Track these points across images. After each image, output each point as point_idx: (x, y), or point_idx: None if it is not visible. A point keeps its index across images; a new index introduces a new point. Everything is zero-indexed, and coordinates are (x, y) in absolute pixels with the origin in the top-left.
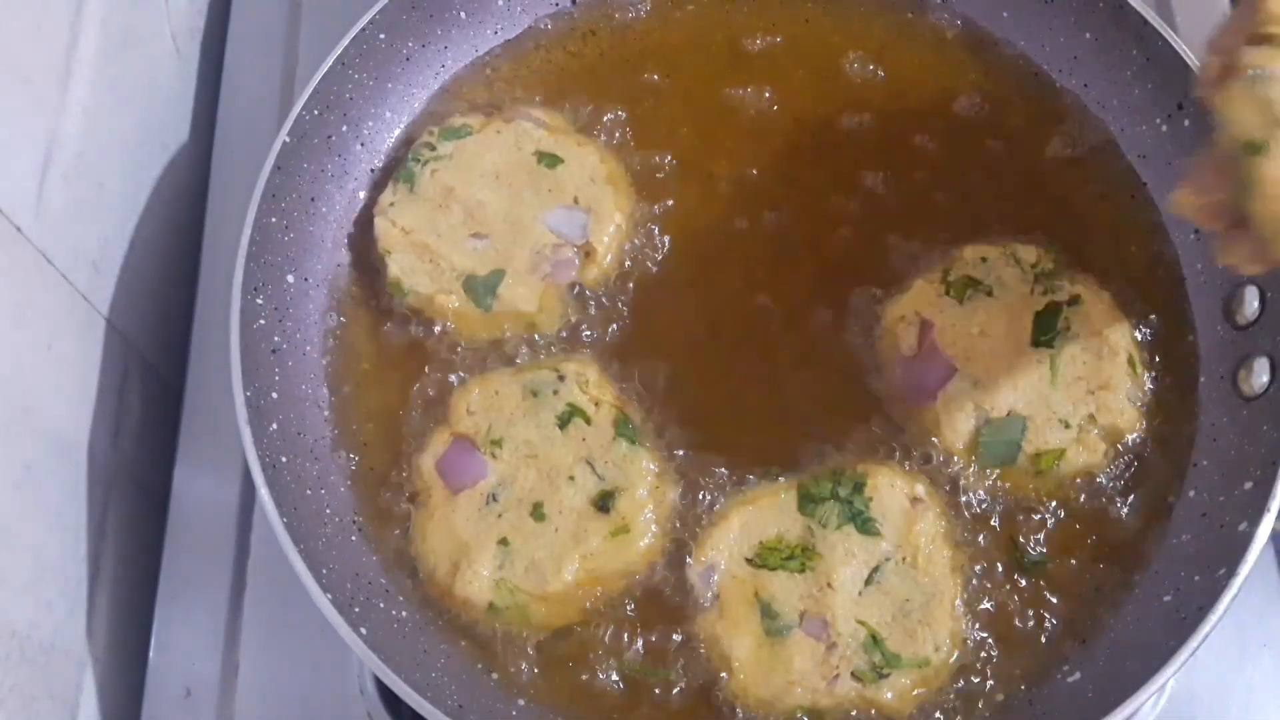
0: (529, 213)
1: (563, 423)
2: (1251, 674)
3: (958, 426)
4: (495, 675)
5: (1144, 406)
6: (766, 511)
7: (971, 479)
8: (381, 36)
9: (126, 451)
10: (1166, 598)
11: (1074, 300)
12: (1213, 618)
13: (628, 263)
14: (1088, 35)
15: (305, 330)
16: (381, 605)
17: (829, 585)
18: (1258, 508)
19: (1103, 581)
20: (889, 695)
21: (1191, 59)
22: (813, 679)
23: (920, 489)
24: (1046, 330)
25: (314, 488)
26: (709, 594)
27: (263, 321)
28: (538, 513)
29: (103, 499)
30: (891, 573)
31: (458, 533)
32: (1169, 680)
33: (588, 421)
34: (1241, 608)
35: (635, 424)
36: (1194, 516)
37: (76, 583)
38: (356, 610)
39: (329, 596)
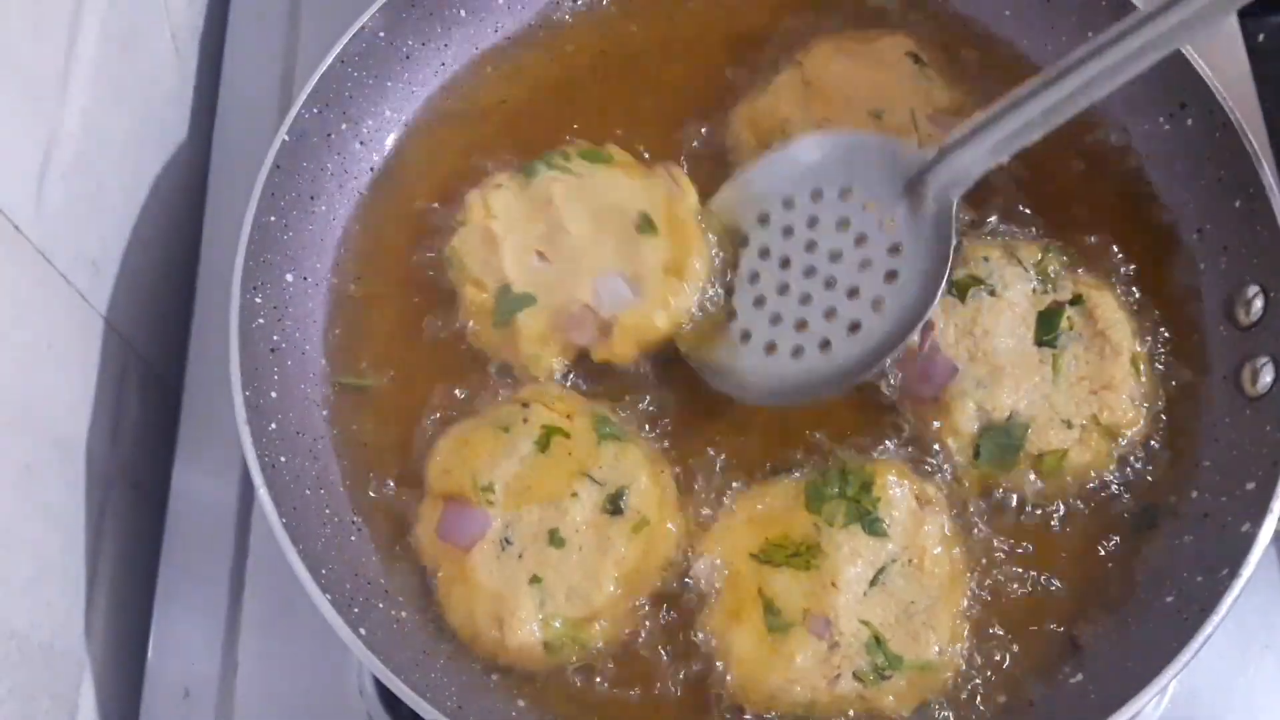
0: (594, 264)
1: (543, 446)
2: (1254, 675)
3: (960, 426)
4: (494, 676)
5: (1147, 407)
6: (773, 508)
7: (974, 478)
8: (381, 34)
9: (125, 451)
10: (1169, 598)
11: (1077, 299)
12: (1215, 619)
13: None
14: (1090, 34)
15: (304, 329)
16: (381, 605)
17: (833, 584)
18: (1260, 508)
19: (1105, 582)
20: (890, 697)
21: (1196, 58)
22: (813, 678)
23: (930, 489)
24: (1049, 329)
25: (313, 488)
26: (712, 588)
27: (262, 321)
28: (555, 539)
29: (101, 499)
30: (897, 574)
31: (487, 588)
32: (1171, 681)
33: (567, 435)
34: (1244, 609)
35: (614, 420)
36: (1196, 517)
37: (75, 583)
38: (355, 610)
39: (328, 597)
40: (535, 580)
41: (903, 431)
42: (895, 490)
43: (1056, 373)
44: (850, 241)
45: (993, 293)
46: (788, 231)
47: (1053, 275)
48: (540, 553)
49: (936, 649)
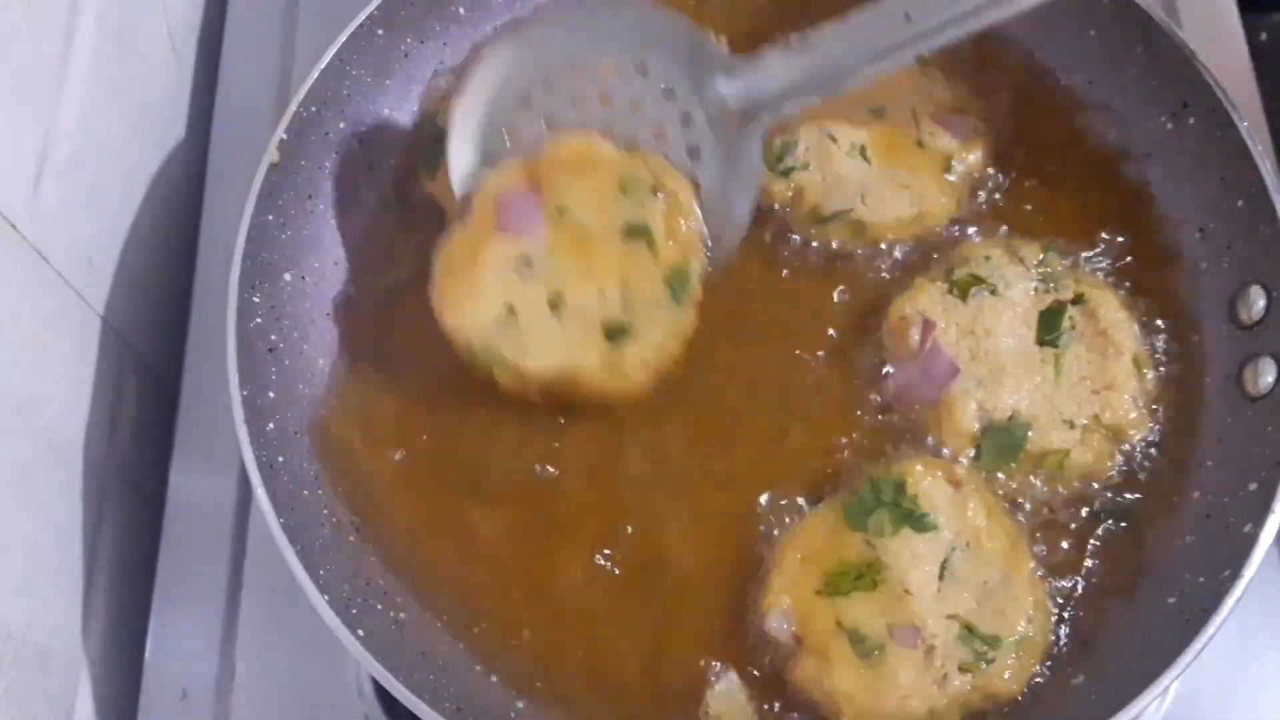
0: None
1: (628, 235)
2: (1256, 676)
3: (961, 426)
4: (494, 677)
5: (1149, 407)
6: (819, 540)
7: (975, 480)
8: (379, 32)
9: (122, 451)
10: (1170, 599)
11: (1078, 299)
12: (1217, 619)
13: None
14: (1092, 32)
15: (303, 328)
16: (379, 606)
17: (906, 592)
18: (1262, 509)
19: (1106, 583)
20: (1005, 675)
21: (1198, 57)
22: (923, 686)
23: (958, 471)
24: (1051, 329)
25: (311, 488)
26: (788, 639)
27: (259, 320)
28: (556, 301)
29: (99, 499)
30: (960, 560)
31: (478, 271)
32: (1173, 683)
33: (652, 250)
34: (1246, 609)
35: (691, 283)
36: (1198, 517)
37: (72, 583)
38: (354, 611)
39: (326, 598)
40: (511, 311)
41: (903, 432)
42: (927, 482)
43: (1058, 373)
44: (648, 130)
45: (994, 292)
46: (578, 102)
47: (1054, 274)
48: (536, 299)
49: (1025, 618)
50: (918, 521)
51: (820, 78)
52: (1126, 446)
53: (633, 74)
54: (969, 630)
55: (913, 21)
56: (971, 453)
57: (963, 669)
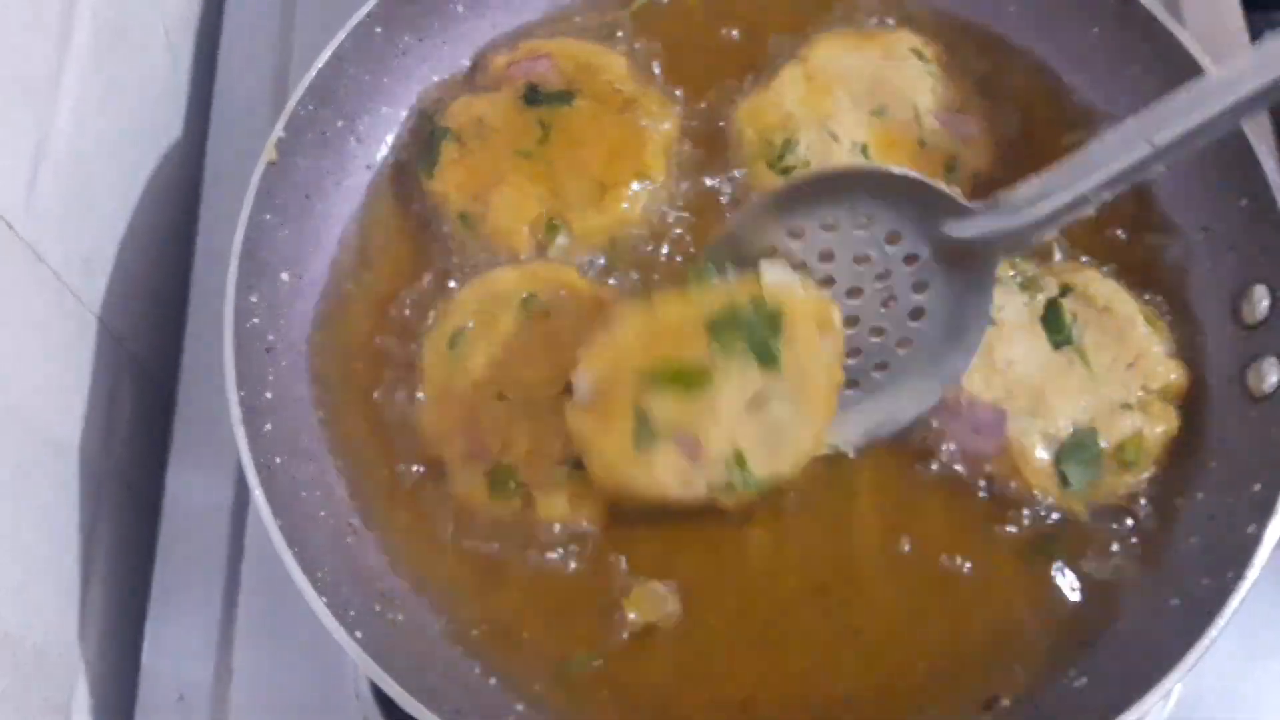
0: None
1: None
2: (1259, 677)
3: (1037, 465)
4: (493, 680)
5: (1181, 352)
6: (668, 323)
7: (1075, 503)
8: (378, 30)
9: (118, 452)
10: (1174, 601)
11: (1066, 289)
12: (1220, 621)
13: None
14: (1095, 31)
15: (300, 329)
16: (377, 608)
17: (711, 408)
18: (1266, 510)
19: (1109, 584)
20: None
21: (1201, 56)
22: (666, 487)
23: (835, 316)
24: (1058, 329)
25: (309, 489)
26: (586, 392)
27: (257, 320)
28: None
29: (94, 500)
30: (776, 400)
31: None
32: (1176, 684)
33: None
34: (1249, 611)
35: None
36: (1201, 519)
37: (68, 585)
38: (352, 614)
39: (324, 600)
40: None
41: (984, 493)
42: (801, 326)
43: (1088, 365)
44: (870, 276)
45: (993, 323)
46: (799, 267)
47: (1032, 278)
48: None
49: (790, 465)
50: (766, 355)
51: (1059, 213)
52: (1180, 402)
53: (854, 227)
54: (739, 462)
55: (1155, 146)
56: (1061, 494)
57: (711, 490)
